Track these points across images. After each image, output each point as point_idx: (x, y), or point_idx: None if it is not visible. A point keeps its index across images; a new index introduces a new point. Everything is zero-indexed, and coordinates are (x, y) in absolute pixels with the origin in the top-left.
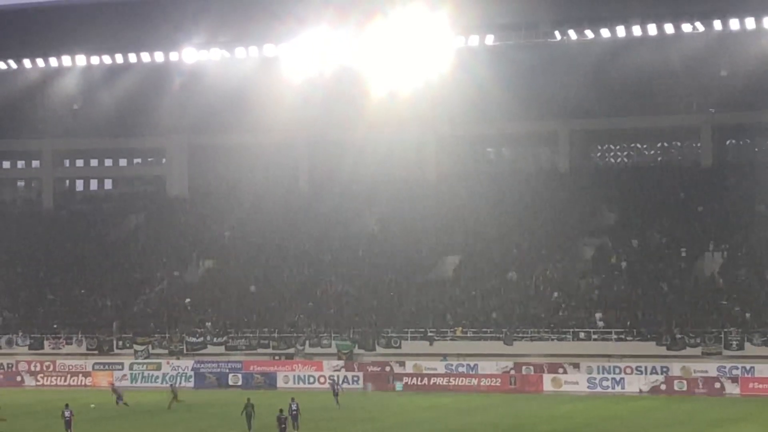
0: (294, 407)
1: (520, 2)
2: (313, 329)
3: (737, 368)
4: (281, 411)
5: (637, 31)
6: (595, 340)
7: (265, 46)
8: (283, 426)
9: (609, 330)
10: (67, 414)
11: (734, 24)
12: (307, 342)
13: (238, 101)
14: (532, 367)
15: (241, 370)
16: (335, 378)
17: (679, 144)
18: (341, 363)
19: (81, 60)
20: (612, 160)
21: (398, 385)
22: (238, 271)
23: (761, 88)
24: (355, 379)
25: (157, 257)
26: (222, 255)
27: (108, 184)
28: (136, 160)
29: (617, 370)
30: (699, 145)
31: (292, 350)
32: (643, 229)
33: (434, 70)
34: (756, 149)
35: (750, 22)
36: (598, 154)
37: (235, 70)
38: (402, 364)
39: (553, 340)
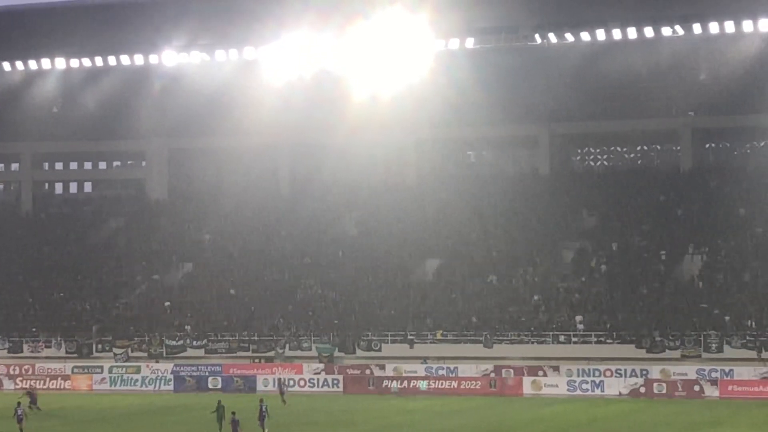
0: (263, 408)
1: (500, 6)
2: (293, 332)
3: (716, 371)
4: (234, 413)
5: (617, 34)
6: (575, 343)
7: (245, 49)
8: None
9: (589, 333)
10: (19, 412)
11: (714, 28)
12: (287, 345)
13: (218, 104)
14: (512, 370)
15: (221, 374)
16: (283, 378)
17: (658, 147)
18: (321, 366)
19: (61, 63)
20: (592, 163)
21: (422, 384)
22: (218, 275)
23: (741, 91)
24: (335, 382)
25: (137, 260)
26: (202, 258)
27: (87, 187)
28: (115, 164)
29: (597, 373)
30: (679, 148)
31: (272, 353)
32: (622, 233)
33: (415, 73)
34: (735, 153)
35: (729, 26)
36: (578, 157)
37: (215, 73)
38: (382, 367)
39: (533, 343)
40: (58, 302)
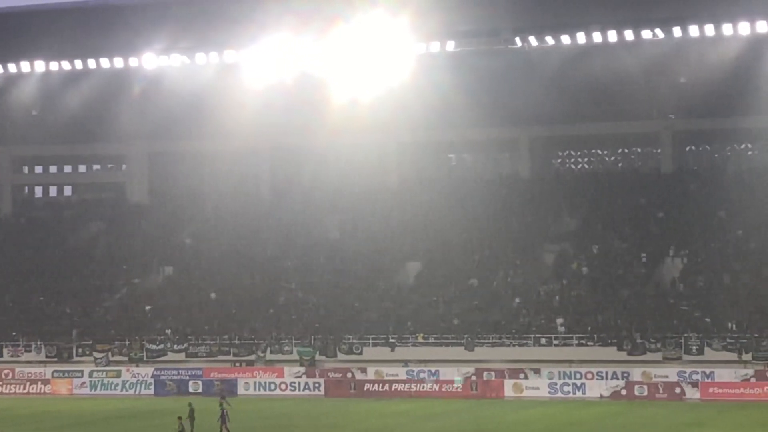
0: (224, 411)
1: (481, 9)
2: (274, 336)
3: (697, 373)
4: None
5: (597, 37)
6: (556, 345)
7: (225, 52)
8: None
9: (570, 335)
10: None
11: (694, 31)
12: (268, 349)
13: (198, 108)
14: (493, 373)
15: (202, 377)
16: (223, 386)
17: (639, 150)
18: (302, 370)
19: (40, 66)
20: (573, 166)
21: (457, 380)
22: (199, 278)
23: (721, 94)
24: (317, 385)
25: (118, 264)
26: (182, 262)
27: (68, 190)
28: (95, 167)
29: (578, 376)
30: (659, 151)
31: (252, 357)
32: (603, 235)
33: (395, 76)
34: (716, 155)
35: (709, 29)
36: (559, 160)
37: (196, 76)
38: (363, 370)
39: (514, 345)
40: (38, 306)
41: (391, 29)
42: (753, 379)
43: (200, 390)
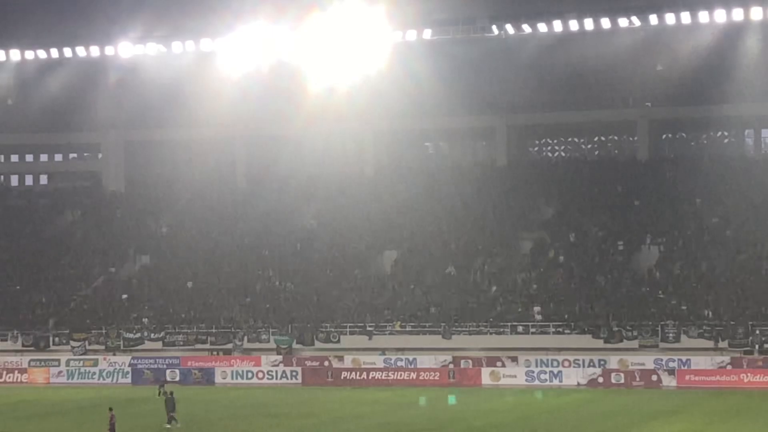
0: (170, 401)
1: None
2: (252, 325)
3: (674, 360)
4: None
5: (573, 25)
6: (533, 333)
7: (201, 40)
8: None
9: (547, 323)
10: None
11: (670, 18)
12: (246, 337)
13: (174, 96)
14: (470, 361)
15: (179, 366)
16: (165, 376)
17: (615, 138)
18: (280, 358)
19: (15, 54)
20: (549, 154)
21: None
22: (175, 267)
23: (697, 82)
24: (294, 374)
25: (94, 253)
26: (159, 251)
27: (43, 179)
28: (71, 156)
29: (555, 363)
30: (636, 139)
31: (230, 346)
32: (580, 223)
33: (372, 64)
34: (692, 143)
35: (686, 17)
36: (536, 148)
37: (172, 64)
38: (341, 358)
39: (491, 333)
40: (15, 295)
41: (368, 17)
42: (729, 367)
43: (177, 379)
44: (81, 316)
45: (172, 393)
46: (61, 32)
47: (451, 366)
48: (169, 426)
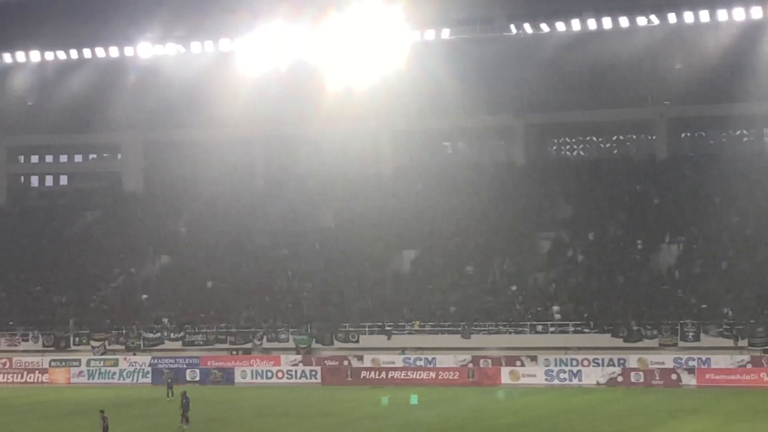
0: (184, 401)
1: None
2: (271, 324)
3: (693, 359)
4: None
5: (592, 24)
6: (552, 332)
7: (220, 40)
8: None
9: (566, 323)
10: None
11: (688, 17)
12: (265, 337)
13: (193, 96)
14: (489, 360)
15: (199, 366)
16: (171, 374)
17: (634, 137)
18: (299, 358)
19: (35, 56)
20: (568, 153)
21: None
22: (195, 267)
23: (716, 80)
24: (313, 373)
25: (113, 253)
26: (178, 251)
27: (63, 180)
28: (91, 156)
29: (574, 363)
30: (654, 137)
31: (249, 345)
32: (599, 222)
33: (390, 64)
34: (711, 142)
35: (704, 15)
36: (554, 147)
37: (191, 65)
38: (360, 358)
39: (510, 333)
40: (35, 296)
41: (386, 17)
42: (749, 365)
43: (197, 378)
44: (101, 316)
45: (184, 393)
46: (80, 33)
47: (471, 365)
48: (185, 427)
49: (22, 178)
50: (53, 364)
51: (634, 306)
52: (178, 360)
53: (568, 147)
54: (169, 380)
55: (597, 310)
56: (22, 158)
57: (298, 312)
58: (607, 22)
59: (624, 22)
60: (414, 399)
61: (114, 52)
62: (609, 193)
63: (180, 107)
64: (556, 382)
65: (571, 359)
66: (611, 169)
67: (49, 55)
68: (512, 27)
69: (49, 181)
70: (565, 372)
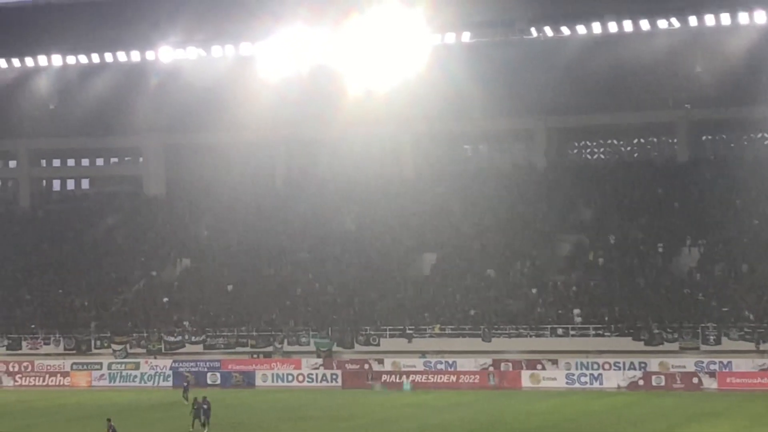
0: (205, 406)
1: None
2: (292, 327)
3: (714, 363)
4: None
5: (612, 27)
6: (573, 336)
7: (241, 44)
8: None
9: (587, 326)
10: None
11: (709, 20)
12: (286, 340)
13: (214, 100)
14: (510, 364)
15: (220, 369)
16: (188, 376)
17: (655, 140)
18: (320, 361)
19: (57, 60)
20: (589, 156)
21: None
22: (216, 270)
23: (737, 83)
24: (334, 377)
25: (135, 257)
26: (199, 254)
27: (85, 183)
28: (113, 160)
29: (595, 366)
30: (675, 140)
31: (270, 348)
32: (620, 225)
33: (411, 67)
34: (732, 144)
35: (725, 18)
36: (575, 150)
37: (212, 68)
38: (380, 361)
39: (531, 336)
40: (57, 299)
41: (407, 20)
42: None
43: (218, 382)
44: (122, 319)
45: (205, 398)
46: (102, 37)
47: (491, 369)
48: (205, 430)
49: (44, 181)
50: (75, 367)
51: (655, 309)
52: (199, 363)
53: (588, 150)
54: (186, 383)
55: (618, 313)
56: (44, 162)
57: (318, 315)
58: (627, 25)
59: (645, 25)
60: (407, 385)
61: (135, 56)
62: (630, 196)
63: (201, 111)
64: (576, 385)
65: (592, 363)
66: (632, 172)
67: (71, 59)
68: (533, 30)
69: (70, 184)
70: (585, 375)
